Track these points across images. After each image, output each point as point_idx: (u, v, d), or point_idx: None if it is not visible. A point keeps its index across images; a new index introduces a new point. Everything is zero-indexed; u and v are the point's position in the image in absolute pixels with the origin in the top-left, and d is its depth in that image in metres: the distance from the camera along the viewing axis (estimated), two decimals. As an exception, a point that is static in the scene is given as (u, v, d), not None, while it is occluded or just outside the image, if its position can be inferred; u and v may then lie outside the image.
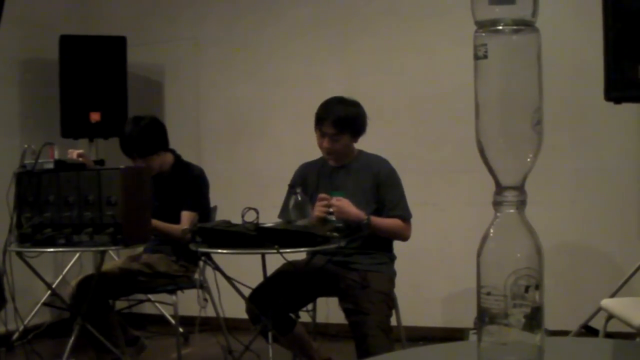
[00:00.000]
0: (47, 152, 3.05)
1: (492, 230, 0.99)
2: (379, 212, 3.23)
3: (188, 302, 3.65)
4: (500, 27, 0.96)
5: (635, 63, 3.19)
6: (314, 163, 3.43)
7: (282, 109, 4.80)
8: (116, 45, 4.72)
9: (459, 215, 4.32)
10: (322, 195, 3.15)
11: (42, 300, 4.48)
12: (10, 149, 4.15)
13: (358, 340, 2.98)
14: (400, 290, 3.34)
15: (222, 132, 4.98)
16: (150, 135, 3.57)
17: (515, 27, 0.96)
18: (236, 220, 2.96)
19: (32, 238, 2.96)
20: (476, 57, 0.97)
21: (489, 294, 0.97)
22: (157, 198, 3.50)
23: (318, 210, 3.11)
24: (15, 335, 4.05)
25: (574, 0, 4.20)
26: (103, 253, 3.38)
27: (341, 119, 3.20)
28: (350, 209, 3.11)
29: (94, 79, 4.66)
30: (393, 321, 3.17)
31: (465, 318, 3.44)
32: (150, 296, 4.50)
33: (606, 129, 4.13)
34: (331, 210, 3.10)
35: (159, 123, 3.67)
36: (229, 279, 3.18)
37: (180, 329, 4.02)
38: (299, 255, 3.14)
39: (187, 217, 3.53)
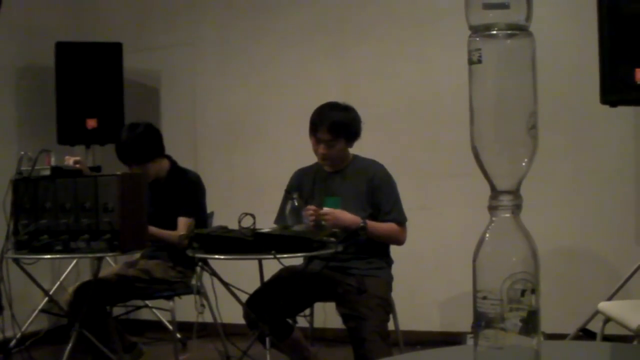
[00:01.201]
0: (43, 158, 3.05)
1: (487, 235, 0.99)
2: (374, 217, 3.22)
3: (185, 308, 3.64)
4: (495, 32, 0.96)
5: (630, 66, 3.20)
6: (309, 168, 3.43)
7: (278, 115, 4.80)
8: (112, 52, 4.73)
9: (455, 219, 4.31)
10: (309, 207, 3.11)
11: (39, 307, 4.46)
12: (7, 156, 4.14)
13: (355, 345, 2.98)
14: (398, 294, 3.34)
15: (219, 137, 4.99)
16: (146, 142, 3.57)
17: (509, 32, 0.96)
18: (233, 225, 2.96)
19: (29, 245, 2.96)
20: (470, 62, 0.97)
21: (485, 298, 0.97)
22: (153, 204, 3.50)
23: (309, 221, 3.09)
24: (13, 342, 4.03)
25: (569, 3, 4.21)
26: (100, 259, 3.38)
27: (336, 124, 3.20)
28: (345, 217, 3.10)
29: (90, 85, 4.66)
30: (390, 326, 3.16)
31: (463, 322, 3.42)
32: (148, 302, 4.47)
33: (602, 132, 4.13)
34: (323, 222, 3.07)
35: (155, 130, 3.68)
36: (226, 284, 3.18)
37: (178, 335, 4.02)
38: (296, 260, 3.14)
39: (183, 223, 3.54)
